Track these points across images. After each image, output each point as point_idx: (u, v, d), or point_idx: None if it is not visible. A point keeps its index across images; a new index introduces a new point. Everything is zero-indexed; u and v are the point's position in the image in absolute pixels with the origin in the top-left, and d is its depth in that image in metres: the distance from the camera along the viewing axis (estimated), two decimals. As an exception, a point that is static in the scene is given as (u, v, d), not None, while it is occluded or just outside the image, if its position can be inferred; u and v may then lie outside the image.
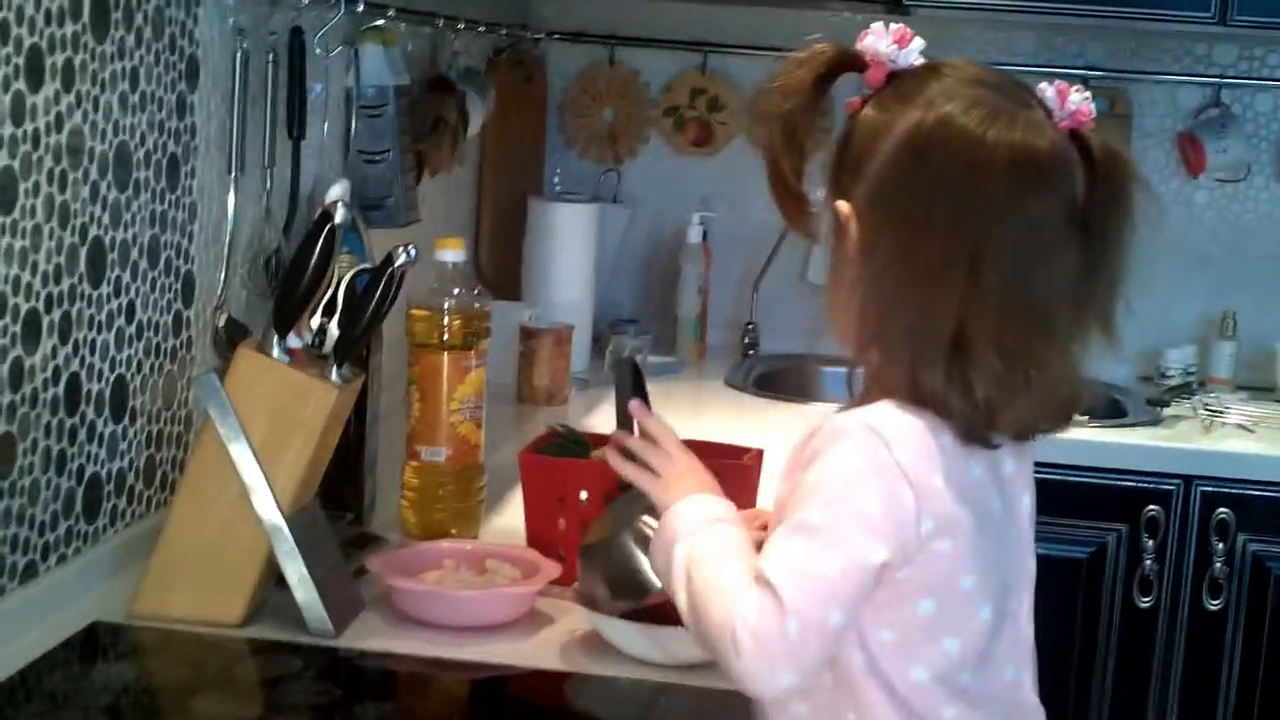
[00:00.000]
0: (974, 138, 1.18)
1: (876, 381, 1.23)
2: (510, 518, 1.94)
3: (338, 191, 1.50)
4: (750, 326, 3.27)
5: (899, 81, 1.24)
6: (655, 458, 1.37)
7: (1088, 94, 1.24)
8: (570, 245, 2.95)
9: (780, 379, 3.15)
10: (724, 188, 3.33)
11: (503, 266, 3.04)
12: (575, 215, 2.98)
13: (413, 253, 1.54)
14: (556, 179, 3.37)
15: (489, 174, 3.07)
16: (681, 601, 1.23)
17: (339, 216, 1.49)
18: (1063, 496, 2.58)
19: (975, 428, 1.19)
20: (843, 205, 1.23)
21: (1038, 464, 1.31)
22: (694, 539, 1.24)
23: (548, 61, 3.31)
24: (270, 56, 1.90)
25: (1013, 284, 1.16)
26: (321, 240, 1.48)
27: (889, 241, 1.20)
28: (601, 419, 2.61)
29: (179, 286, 1.76)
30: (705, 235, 3.21)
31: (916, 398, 1.19)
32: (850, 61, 1.26)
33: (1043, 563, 1.32)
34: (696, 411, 2.77)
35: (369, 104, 2.22)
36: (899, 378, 1.19)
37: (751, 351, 3.26)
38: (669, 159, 3.33)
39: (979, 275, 1.16)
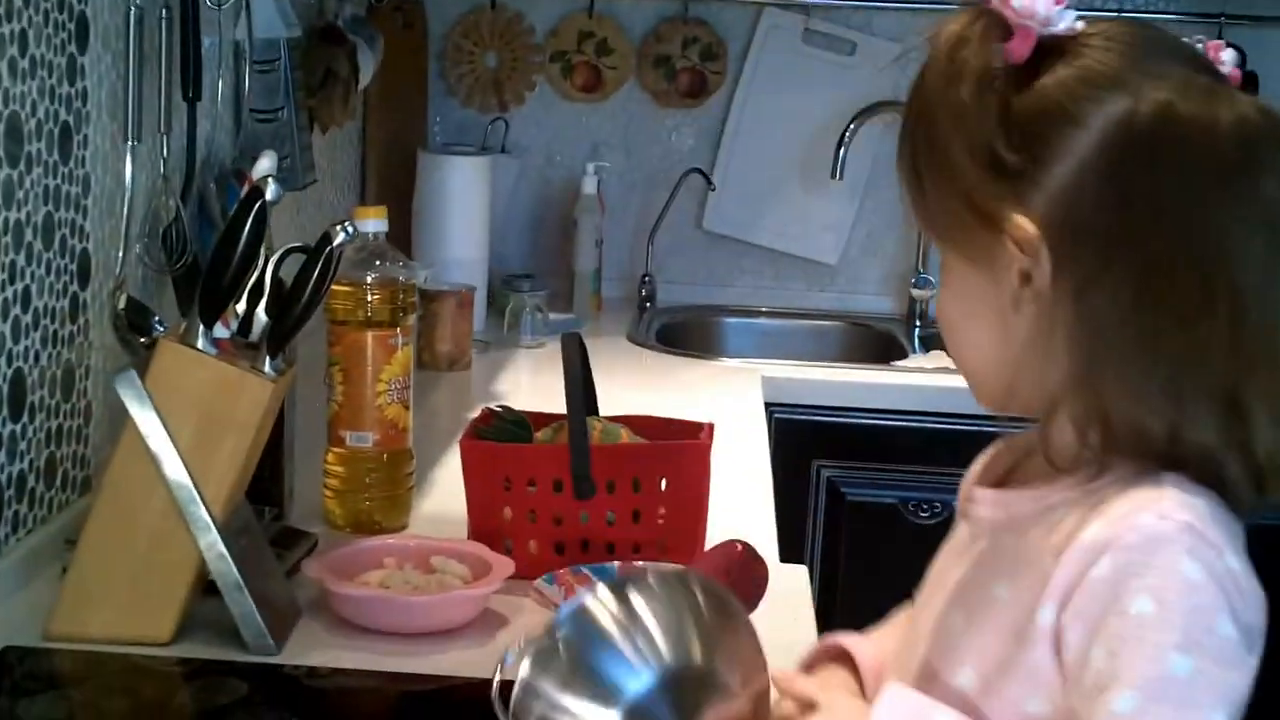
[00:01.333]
0: (1205, 126, 0.91)
1: (1090, 448, 0.94)
2: (436, 503, 1.83)
3: (267, 165, 1.36)
4: (647, 279, 3.16)
5: (1056, 56, 0.93)
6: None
7: (1233, 51, 0.98)
8: (463, 200, 2.82)
9: (682, 332, 3.06)
10: (615, 135, 3.22)
11: (392, 224, 2.88)
12: (466, 168, 2.84)
13: (350, 230, 1.41)
14: (437, 129, 3.23)
15: (373, 127, 2.91)
16: None
17: (270, 193, 1.35)
18: None
19: (1249, 496, 0.94)
20: (1024, 224, 0.92)
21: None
22: None
23: (427, 6, 3.15)
24: (163, 13, 1.74)
25: (1268, 303, 0.92)
26: (251, 219, 1.34)
27: (1120, 271, 0.91)
28: (510, 384, 2.50)
29: (74, 267, 1.60)
30: (599, 185, 3.09)
31: (1176, 466, 0.92)
32: (995, 27, 0.94)
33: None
34: (603, 370, 2.64)
35: (260, 59, 2.06)
36: (1152, 441, 0.92)
37: (649, 304, 3.16)
38: (558, 106, 3.20)
39: (1241, 302, 0.90)
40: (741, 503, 1.88)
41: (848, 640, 1.14)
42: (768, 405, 2.57)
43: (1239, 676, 0.88)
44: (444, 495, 1.84)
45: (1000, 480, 1.03)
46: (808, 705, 1.03)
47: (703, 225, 3.22)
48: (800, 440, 2.66)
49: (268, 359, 1.40)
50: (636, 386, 2.44)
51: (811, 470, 2.70)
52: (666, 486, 1.61)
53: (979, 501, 1.02)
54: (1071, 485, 0.94)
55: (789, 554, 1.78)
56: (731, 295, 3.23)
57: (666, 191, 3.16)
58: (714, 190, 3.17)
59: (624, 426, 1.68)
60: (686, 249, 3.24)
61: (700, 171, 3.16)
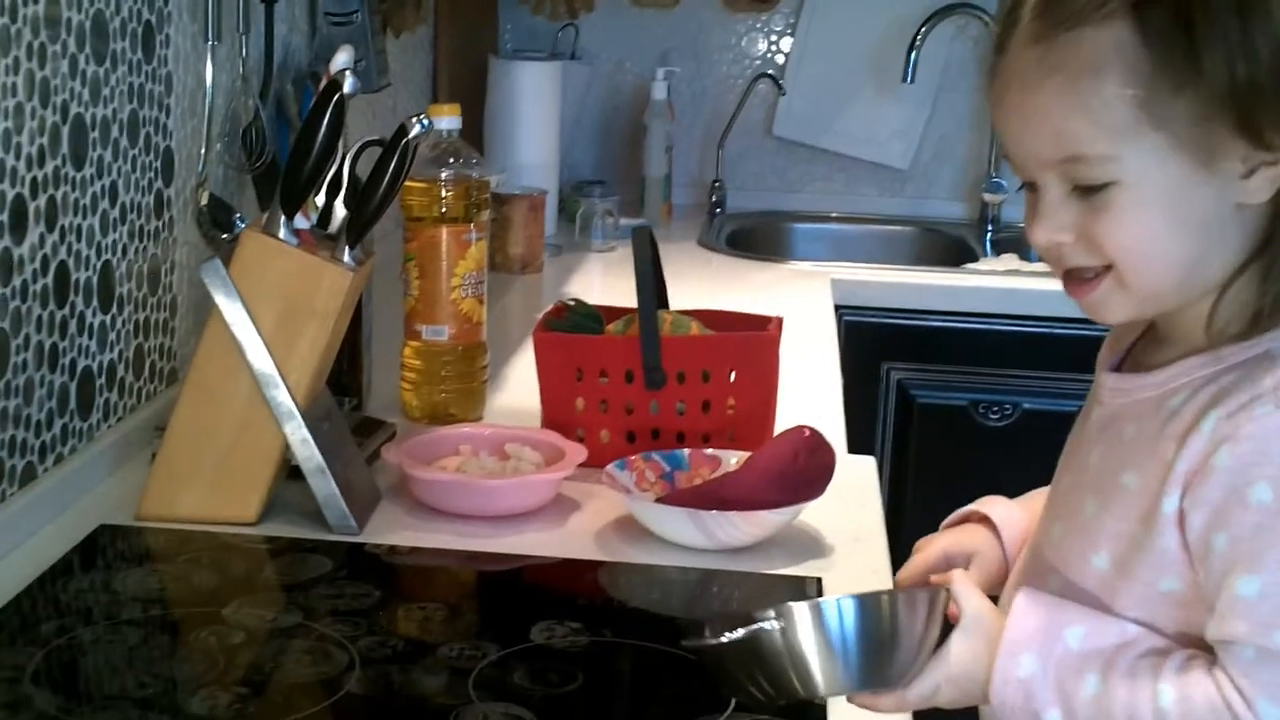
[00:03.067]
0: None
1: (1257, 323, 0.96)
2: (511, 396, 1.87)
3: (344, 59, 1.39)
4: (717, 185, 3.18)
5: None
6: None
7: None
8: (533, 106, 2.85)
9: (751, 237, 3.08)
10: (685, 41, 3.22)
11: (463, 129, 2.92)
12: (537, 74, 2.86)
13: (426, 123, 1.44)
14: (507, 35, 3.25)
15: (444, 33, 2.94)
16: None
17: (348, 86, 1.38)
18: None
19: None
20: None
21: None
22: (1057, 695, 0.96)
23: (497, -89, 3.16)
24: (241, -88, 1.77)
25: None
26: (330, 113, 1.38)
27: None
28: (581, 286, 2.53)
29: (159, 164, 1.64)
30: (669, 91, 3.10)
31: None
32: None
33: None
34: (673, 274, 2.67)
35: (334, -38, 2.09)
36: None
37: (719, 210, 3.18)
38: (627, 12, 3.21)
39: None
40: (810, 398, 1.90)
41: (993, 510, 1.18)
42: (837, 308, 2.59)
43: None
44: (518, 390, 1.88)
45: (1119, 364, 1.06)
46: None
47: (773, 131, 3.23)
48: (870, 343, 2.68)
49: (346, 249, 1.44)
50: (707, 289, 2.46)
51: (881, 373, 2.72)
52: (735, 377, 1.64)
53: (1103, 386, 1.05)
54: (1193, 368, 0.97)
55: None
56: (801, 201, 3.24)
57: (736, 97, 3.17)
58: (784, 95, 3.18)
59: (694, 319, 1.71)
60: (756, 155, 3.25)
61: (770, 77, 3.16)
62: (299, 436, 1.41)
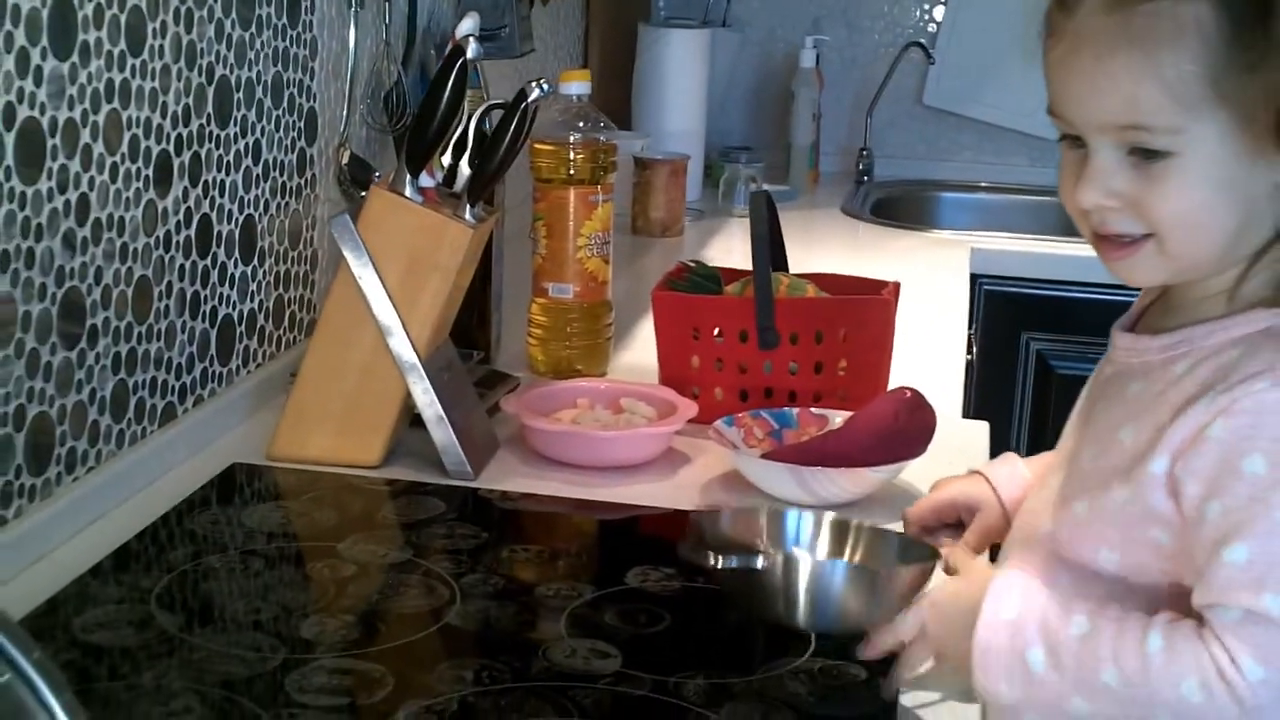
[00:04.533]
0: None
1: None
2: (636, 354, 1.92)
3: (469, 25, 1.45)
4: (864, 153, 3.20)
5: None
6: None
7: None
8: (682, 72, 2.89)
9: (897, 205, 3.09)
10: (835, 9, 3.24)
11: (612, 95, 2.98)
12: (687, 41, 2.91)
13: (546, 87, 1.50)
14: (660, 2, 3.29)
15: (595, 0, 2.99)
16: (1079, 709, 0.96)
17: (471, 52, 1.44)
18: None
19: None
20: None
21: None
22: (1041, 635, 0.97)
23: (653, -120, 3.21)
24: (385, -120, 1.84)
25: None
26: (454, 77, 1.44)
27: None
28: (720, 250, 2.57)
29: (302, 124, 1.73)
30: (818, 59, 3.12)
31: None
32: None
33: None
34: (813, 241, 2.72)
35: (481, -71, 2.15)
36: None
37: (866, 178, 3.20)
38: (779, -20, 3.24)
39: None
40: (931, 363, 1.93)
41: (997, 471, 1.23)
42: (977, 277, 2.60)
43: None
44: (644, 348, 1.93)
45: (1133, 324, 1.08)
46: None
47: (922, 99, 3.23)
48: (1010, 313, 2.69)
49: (468, 207, 1.50)
50: (844, 255, 2.49)
51: (1021, 342, 2.72)
52: (848, 339, 1.67)
53: (1116, 344, 1.07)
54: (1200, 336, 0.99)
55: (997, 425, 1.83)
56: (949, 170, 3.24)
57: (886, 65, 3.18)
58: (934, 64, 3.18)
59: (811, 283, 1.74)
60: (905, 123, 3.26)
61: (921, 45, 3.16)
62: (419, 385, 1.48)
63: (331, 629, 1.18)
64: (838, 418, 1.56)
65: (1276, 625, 0.89)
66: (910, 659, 1.07)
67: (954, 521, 1.24)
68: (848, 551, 1.19)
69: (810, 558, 1.16)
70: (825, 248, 2.62)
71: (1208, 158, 0.95)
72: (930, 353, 1.99)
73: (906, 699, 1.11)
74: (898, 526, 1.27)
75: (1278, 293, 0.98)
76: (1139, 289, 1.09)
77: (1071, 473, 1.06)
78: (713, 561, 1.09)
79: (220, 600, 1.24)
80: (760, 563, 1.09)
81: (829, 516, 1.21)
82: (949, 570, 1.12)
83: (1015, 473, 1.22)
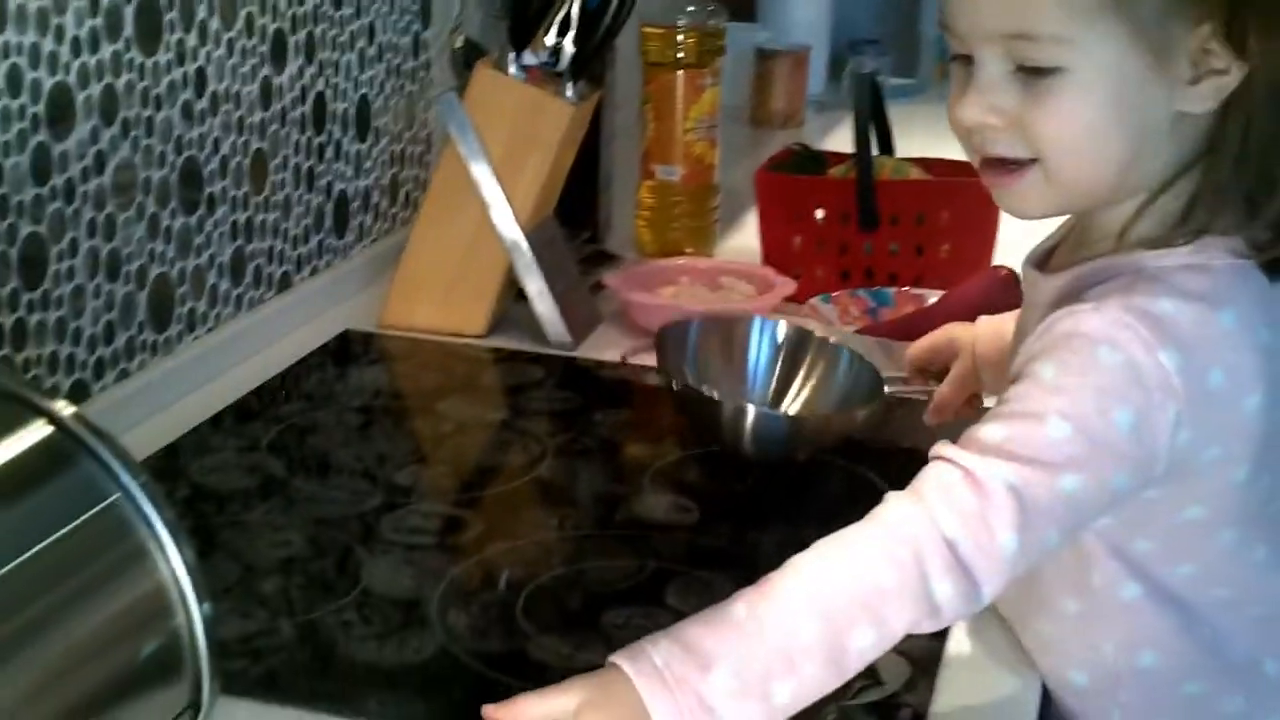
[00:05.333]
0: None
1: (1184, 225, 0.93)
2: (746, 238, 1.95)
3: (570, -97, 1.49)
4: (994, 48, 3.17)
5: None
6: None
7: None
8: (808, -38, 2.89)
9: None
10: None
11: (739, -12, 2.99)
12: (814, -70, 2.90)
13: (646, -34, 1.53)
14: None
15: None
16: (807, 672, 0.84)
17: (572, -70, 1.48)
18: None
19: None
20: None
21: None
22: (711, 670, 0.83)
23: None
24: None
25: None
26: (555, -45, 1.48)
27: None
28: (839, 143, 2.58)
29: (416, 8, 1.78)
30: (948, -48, 3.10)
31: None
32: None
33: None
34: (938, 134, 2.71)
35: None
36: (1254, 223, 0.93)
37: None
38: None
39: None
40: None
41: (980, 330, 1.23)
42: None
43: (1116, 468, 0.87)
44: (753, 234, 1.96)
45: (1043, 260, 1.02)
46: None
47: (1054, -6, 3.18)
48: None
49: (570, 85, 1.54)
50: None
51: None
52: (950, 222, 1.69)
53: (1024, 280, 1.04)
54: (1082, 276, 0.94)
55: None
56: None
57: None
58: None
59: (916, 166, 1.76)
60: (1036, 18, 3.22)
61: (1053, -62, 3.12)
62: (521, 258, 1.53)
63: (427, 478, 1.25)
64: (934, 298, 1.59)
65: (958, 465, 0.85)
66: None
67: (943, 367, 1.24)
68: (799, 378, 1.34)
69: (755, 409, 1.26)
70: (948, 140, 2.62)
71: (1098, 75, 0.89)
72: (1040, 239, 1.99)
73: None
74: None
75: (1166, 232, 0.92)
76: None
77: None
78: (674, 385, 1.27)
79: (325, 450, 1.31)
80: (714, 396, 1.25)
81: (787, 333, 1.37)
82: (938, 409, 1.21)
83: (999, 329, 1.17)
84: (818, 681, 0.83)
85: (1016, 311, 1.10)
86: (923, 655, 1.00)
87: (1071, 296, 0.92)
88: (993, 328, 1.21)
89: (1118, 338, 0.87)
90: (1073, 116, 0.90)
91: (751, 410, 1.25)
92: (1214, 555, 0.95)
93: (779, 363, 1.36)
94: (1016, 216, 0.97)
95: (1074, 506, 0.86)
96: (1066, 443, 0.86)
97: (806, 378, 1.35)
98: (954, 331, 1.25)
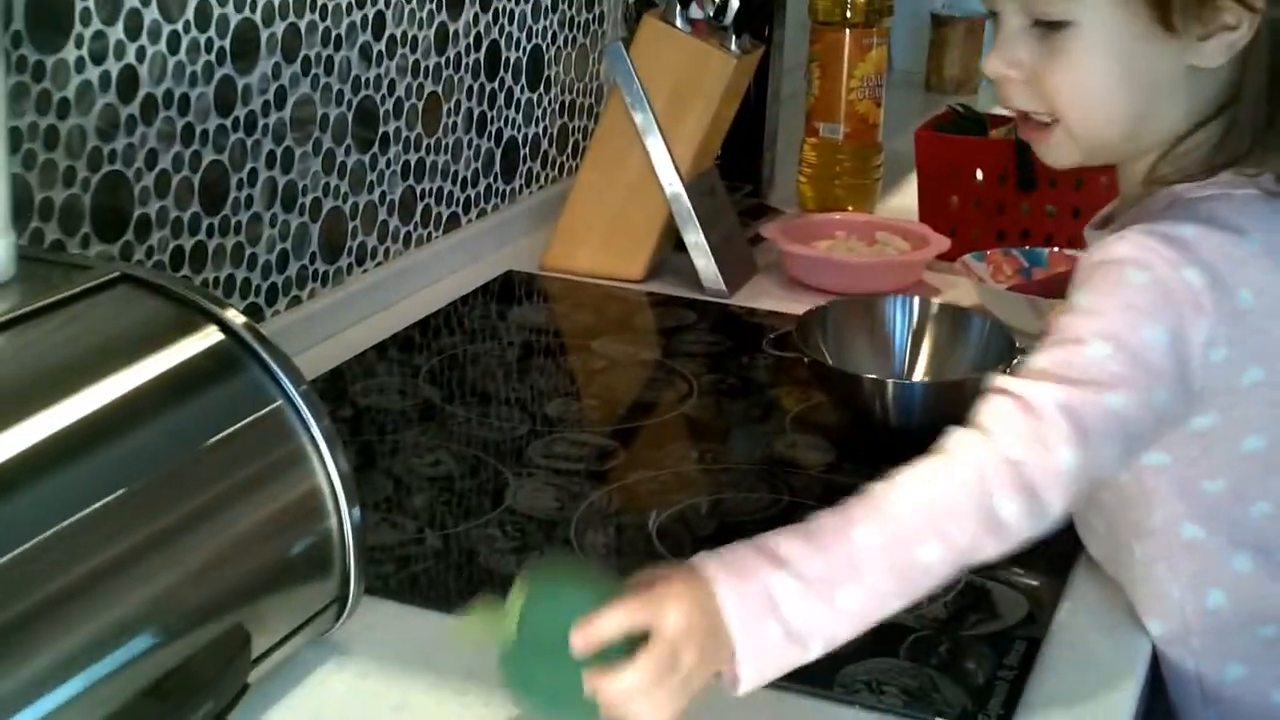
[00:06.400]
0: None
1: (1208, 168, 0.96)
2: (907, 198, 1.96)
3: None
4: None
5: None
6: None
7: None
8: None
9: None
10: None
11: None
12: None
13: (812, -77, 1.56)
14: None
15: None
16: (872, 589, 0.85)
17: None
18: None
19: None
20: None
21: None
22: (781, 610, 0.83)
23: None
24: None
25: None
26: (722, -91, 1.52)
27: None
28: (1010, 109, 2.57)
29: (592, -38, 1.83)
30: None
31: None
32: None
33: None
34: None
35: None
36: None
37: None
38: None
39: None
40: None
41: None
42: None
43: (1157, 384, 0.89)
44: (914, 191, 1.98)
45: (1100, 225, 1.04)
46: None
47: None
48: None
49: (734, 38, 1.58)
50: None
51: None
52: (1110, 187, 1.68)
53: (1087, 242, 1.04)
54: (1125, 221, 0.97)
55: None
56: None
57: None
58: None
59: (1078, 130, 1.76)
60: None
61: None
62: (680, 204, 1.57)
63: (576, 410, 1.30)
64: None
65: (1010, 394, 0.87)
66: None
67: None
68: (935, 349, 1.36)
69: (892, 380, 1.27)
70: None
71: (1106, 30, 0.92)
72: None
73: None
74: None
75: (1183, 178, 0.96)
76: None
77: None
78: (809, 360, 1.28)
79: (482, 380, 1.37)
80: (853, 371, 1.27)
81: (921, 306, 1.38)
82: None
83: None
84: (884, 593, 0.84)
85: None
86: (1042, 595, 1.02)
87: None
88: None
89: (1142, 258, 0.90)
90: (1082, 71, 0.93)
91: (890, 382, 1.26)
92: None
93: (915, 336, 1.38)
94: (1051, 166, 1.01)
95: (1124, 423, 0.88)
96: (1108, 360, 0.88)
97: (942, 347, 1.37)
98: None
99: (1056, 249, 1.63)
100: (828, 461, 1.22)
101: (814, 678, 0.90)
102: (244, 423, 0.87)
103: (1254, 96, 0.94)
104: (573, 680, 0.80)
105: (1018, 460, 0.85)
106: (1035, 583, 1.04)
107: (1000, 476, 0.85)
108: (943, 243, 1.65)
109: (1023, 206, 1.70)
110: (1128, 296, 0.90)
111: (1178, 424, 0.92)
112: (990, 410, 0.88)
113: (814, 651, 0.84)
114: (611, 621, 0.80)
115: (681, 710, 0.81)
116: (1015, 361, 1.29)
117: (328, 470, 0.89)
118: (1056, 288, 1.49)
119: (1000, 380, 0.90)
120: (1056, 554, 1.09)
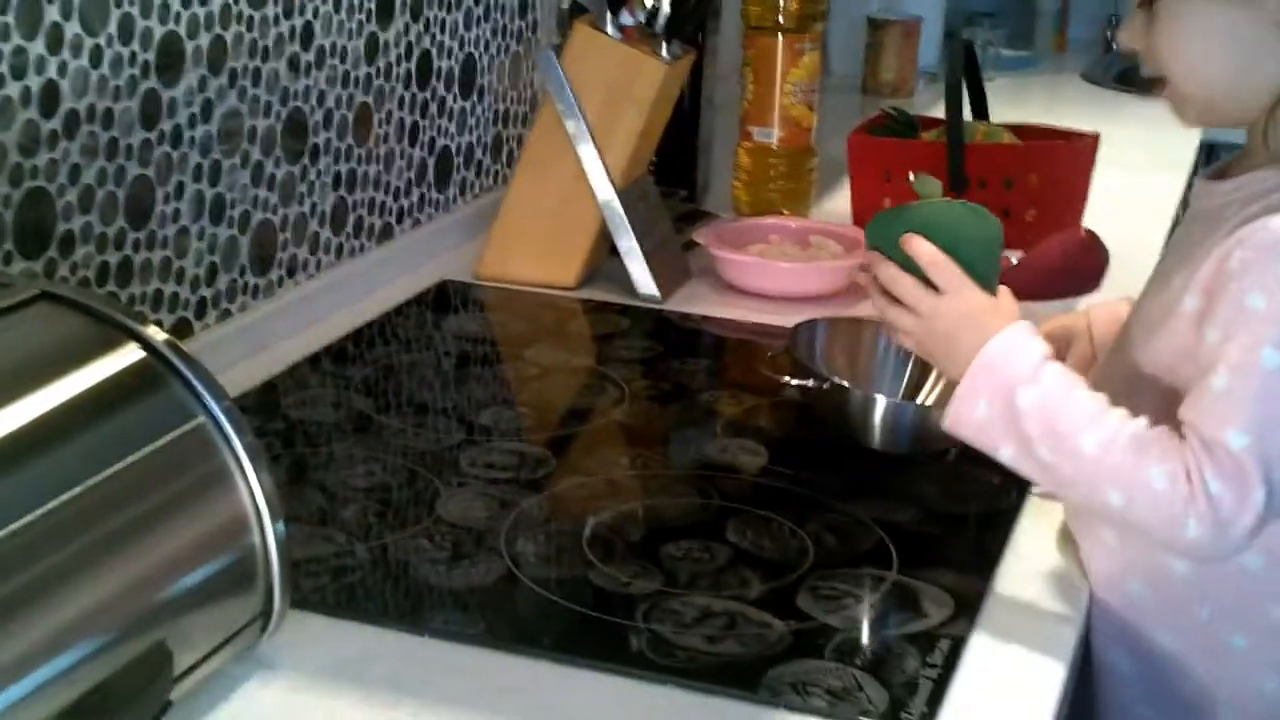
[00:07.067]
0: None
1: None
2: (842, 201, 1.98)
3: None
4: (1114, 19, 3.15)
5: None
6: (931, 287, 1.10)
7: None
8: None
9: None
10: None
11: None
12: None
13: (739, -71, 1.57)
14: None
15: None
16: (1044, 457, 0.99)
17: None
18: None
19: None
20: None
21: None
22: (1041, 379, 1.00)
23: None
24: None
25: None
26: (650, -83, 1.52)
27: None
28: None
29: (524, -31, 1.83)
30: (1068, -77, 3.09)
31: None
32: None
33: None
34: (1047, 105, 2.72)
35: None
36: None
37: (1115, 45, 3.15)
38: None
39: None
40: (1135, 218, 1.94)
41: (1097, 311, 1.25)
42: (1211, 145, 2.57)
43: None
44: (848, 194, 1.99)
45: (1215, 176, 1.08)
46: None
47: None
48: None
49: (665, 45, 1.59)
50: (1070, 118, 2.49)
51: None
52: (1039, 187, 1.71)
53: (1195, 193, 1.10)
54: (1255, 181, 1.01)
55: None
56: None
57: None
58: None
59: (1009, 132, 1.78)
60: (1157, -10, 3.19)
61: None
62: (613, 210, 1.58)
63: (508, 418, 1.30)
64: (1015, 259, 1.61)
65: (1233, 456, 0.93)
66: (896, 320, 1.11)
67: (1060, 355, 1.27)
68: (929, 379, 1.28)
69: (884, 399, 1.22)
70: (1060, 111, 2.62)
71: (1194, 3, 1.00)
72: (1140, 209, 2.00)
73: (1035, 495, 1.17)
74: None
75: None
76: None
77: (1137, 317, 1.09)
78: (798, 381, 1.22)
79: (415, 391, 1.37)
80: (843, 389, 1.21)
81: None
82: None
83: (1115, 313, 1.22)
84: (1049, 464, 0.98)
85: (1130, 296, 1.16)
86: (966, 593, 1.03)
87: (1241, 203, 1.00)
88: (1108, 311, 1.24)
89: None
90: (1178, 38, 1.02)
91: (881, 401, 1.21)
92: None
93: (907, 364, 1.31)
94: (1182, 125, 1.08)
95: None
96: None
97: (936, 377, 1.29)
98: (1066, 320, 1.28)
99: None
100: (757, 466, 1.23)
101: (740, 680, 0.91)
102: (165, 440, 0.87)
103: None
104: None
105: (1215, 496, 0.93)
106: (960, 581, 1.05)
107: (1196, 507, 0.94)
108: (875, 245, 1.66)
109: (954, 208, 1.71)
110: None
111: None
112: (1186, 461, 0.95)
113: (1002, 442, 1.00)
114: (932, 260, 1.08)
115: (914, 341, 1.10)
116: None
117: (250, 486, 0.89)
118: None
119: (1216, 431, 0.94)
120: (981, 552, 1.10)
